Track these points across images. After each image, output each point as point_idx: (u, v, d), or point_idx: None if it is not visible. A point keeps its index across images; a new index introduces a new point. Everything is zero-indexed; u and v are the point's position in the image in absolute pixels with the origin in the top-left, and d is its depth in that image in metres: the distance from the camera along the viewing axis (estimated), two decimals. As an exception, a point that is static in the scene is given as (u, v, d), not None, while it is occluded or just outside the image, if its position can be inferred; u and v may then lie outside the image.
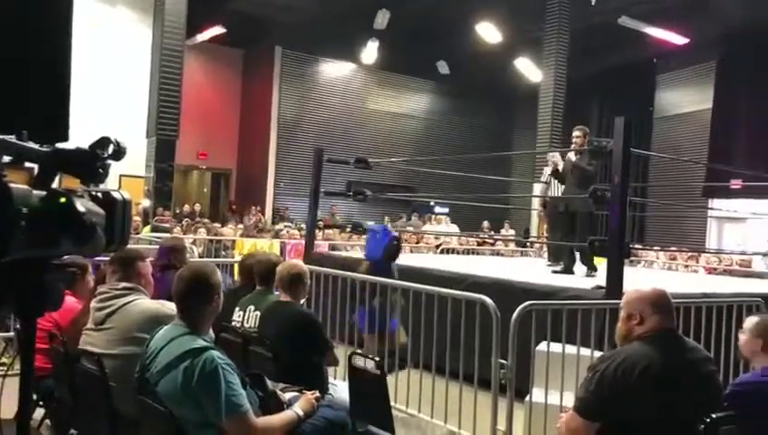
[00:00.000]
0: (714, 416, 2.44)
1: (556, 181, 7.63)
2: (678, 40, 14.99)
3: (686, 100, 16.78)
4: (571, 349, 3.89)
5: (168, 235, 9.41)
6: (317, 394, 2.98)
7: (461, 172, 11.67)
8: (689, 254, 11.68)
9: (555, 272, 6.97)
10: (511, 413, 3.74)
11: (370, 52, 16.73)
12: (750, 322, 3.22)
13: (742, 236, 15.12)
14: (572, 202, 6.82)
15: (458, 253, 11.91)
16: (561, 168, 7.14)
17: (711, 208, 14.66)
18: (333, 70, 18.17)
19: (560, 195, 7.47)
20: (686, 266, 11.04)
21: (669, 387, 2.45)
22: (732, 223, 15.36)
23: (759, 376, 3.04)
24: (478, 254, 12.08)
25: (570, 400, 3.73)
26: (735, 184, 11.87)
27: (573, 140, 7.02)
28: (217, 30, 15.57)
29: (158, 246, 5.48)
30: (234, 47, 17.39)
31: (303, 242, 8.55)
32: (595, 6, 14.16)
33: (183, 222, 12.05)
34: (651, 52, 16.16)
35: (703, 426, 2.44)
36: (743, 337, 3.21)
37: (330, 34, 16.04)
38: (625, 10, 14.30)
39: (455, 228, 15.56)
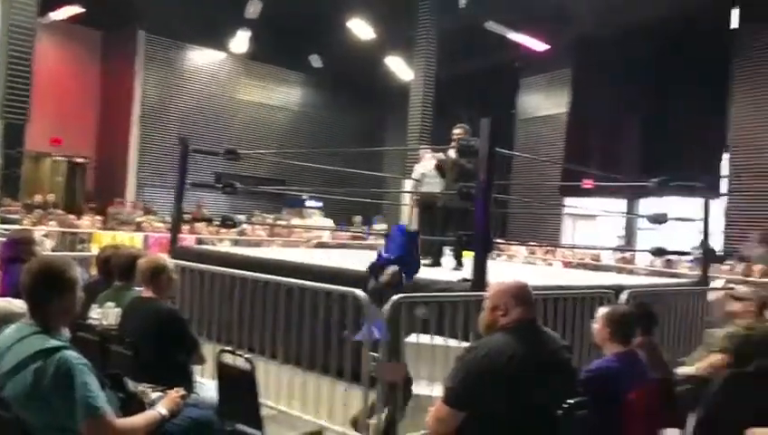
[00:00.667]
0: (569, 402, 2.60)
1: (426, 178, 7.81)
2: (539, 46, 15.90)
3: (545, 103, 17.84)
4: (440, 340, 4.01)
5: (16, 226, 8.70)
6: (182, 393, 2.86)
7: (333, 166, 11.69)
8: (547, 248, 12.44)
9: (425, 265, 7.14)
10: (381, 406, 3.79)
11: (241, 41, 16.34)
12: (601, 312, 3.49)
13: (593, 232, 16.34)
14: (450, 198, 6.98)
15: (331, 247, 11.93)
16: (444, 163, 7.26)
17: (566, 206, 15.68)
18: (201, 58, 17.56)
19: (432, 191, 7.64)
20: (544, 260, 11.75)
21: (531, 375, 2.57)
22: (584, 220, 16.55)
23: (609, 361, 3.30)
24: (351, 248, 12.15)
25: (439, 389, 3.88)
26: (587, 184, 12.74)
27: (454, 137, 7.05)
28: (74, 9, 14.56)
29: (3, 239, 5.04)
30: (92, 28, 16.33)
31: (168, 235, 8.21)
32: (464, 10, 14.69)
33: (33, 213, 11.18)
34: (514, 56, 17.02)
35: (560, 412, 2.59)
36: (595, 326, 3.46)
37: (198, 21, 15.48)
38: (492, 15, 14.95)
39: (329, 223, 15.57)
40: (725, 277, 9.40)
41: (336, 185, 13.59)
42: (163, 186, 15.54)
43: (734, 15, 13.49)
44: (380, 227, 16.34)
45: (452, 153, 7.08)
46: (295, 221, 15.44)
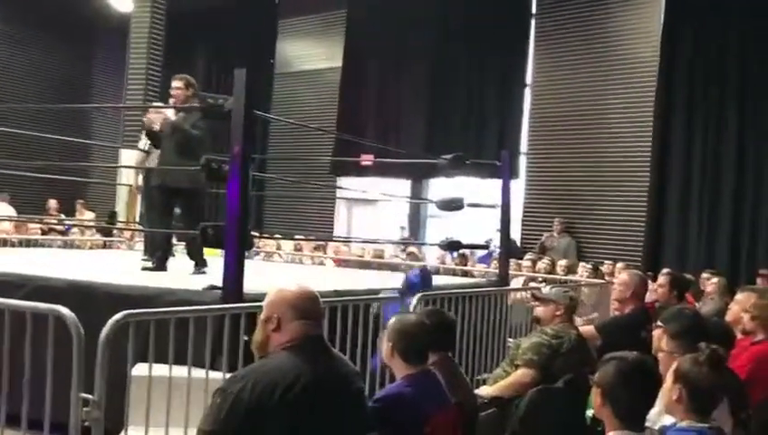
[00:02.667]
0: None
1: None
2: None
3: (313, 54, 18.15)
4: (180, 370, 3.89)
5: None
6: None
7: (17, 130, 10.83)
8: (315, 243, 12.73)
9: (146, 269, 6.93)
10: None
11: None
12: (388, 325, 3.63)
13: (373, 221, 17.04)
14: (172, 175, 6.82)
15: (13, 244, 11.04)
16: (158, 127, 7.07)
17: (340, 188, 16.14)
18: None
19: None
20: (313, 258, 12.00)
21: (316, 407, 2.62)
22: (362, 205, 17.19)
23: (400, 386, 3.45)
24: (44, 246, 11.36)
25: (179, 438, 3.78)
26: (366, 160, 13.25)
27: (172, 92, 7.00)
28: None
29: None
30: None
31: None
32: None
33: None
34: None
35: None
36: (383, 341, 3.60)
37: None
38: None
39: (10, 211, 14.42)
40: (526, 275, 10.36)
41: (22, 157, 12.64)
42: None
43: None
44: (88, 216, 15.56)
45: (171, 114, 6.98)
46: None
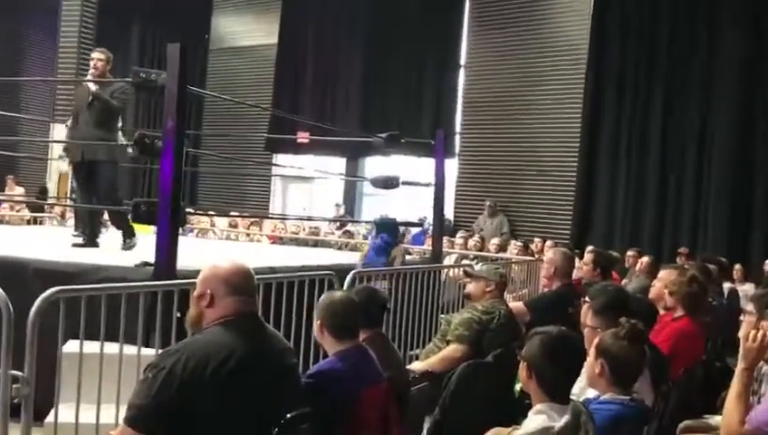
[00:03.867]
0: (290, 415, 2.69)
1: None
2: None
3: (249, 29, 17.94)
4: (112, 347, 3.84)
5: None
6: None
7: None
8: (251, 220, 12.65)
9: (76, 245, 6.83)
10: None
11: None
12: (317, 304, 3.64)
13: (308, 198, 17.01)
14: (90, 149, 6.74)
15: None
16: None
17: (276, 165, 16.06)
18: None
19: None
20: (249, 235, 11.93)
21: (248, 382, 2.63)
22: (298, 183, 17.13)
23: (332, 363, 3.46)
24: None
25: (111, 414, 3.73)
26: (303, 137, 13.20)
27: (92, 63, 6.95)
28: None
29: None
30: None
31: None
32: None
33: None
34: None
35: (276, 429, 2.68)
36: (315, 320, 3.61)
37: None
38: None
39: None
40: (458, 252, 10.47)
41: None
42: None
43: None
44: (18, 192, 15.16)
45: (92, 86, 6.88)
46: None
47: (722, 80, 12.13)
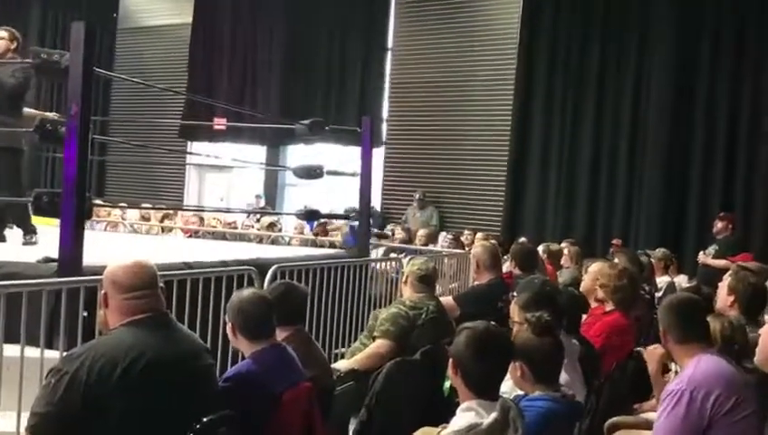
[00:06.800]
0: (206, 419, 2.69)
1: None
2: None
3: (161, 8, 17.65)
4: (12, 350, 3.76)
5: None
6: None
7: None
8: (164, 212, 12.47)
9: None
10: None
11: None
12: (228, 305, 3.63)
13: (226, 189, 16.84)
14: None
15: None
16: None
17: (190, 154, 15.84)
18: None
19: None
20: (162, 229, 11.76)
21: (160, 385, 2.63)
22: (215, 172, 16.94)
23: (247, 365, 3.46)
24: None
25: (12, 424, 3.65)
26: (219, 124, 13.07)
27: None
28: None
29: None
30: None
31: None
32: None
33: None
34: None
35: (192, 433, 2.67)
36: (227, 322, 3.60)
37: None
38: None
39: None
40: (387, 245, 10.52)
41: None
42: None
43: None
44: None
45: None
46: None
47: (657, 67, 12.40)
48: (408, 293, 5.46)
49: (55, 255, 4.81)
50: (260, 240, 11.09)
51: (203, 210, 14.06)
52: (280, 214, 14.14)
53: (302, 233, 11.96)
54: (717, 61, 11.90)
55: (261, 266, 5.57)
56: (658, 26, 12.39)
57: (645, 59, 12.53)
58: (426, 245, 10.60)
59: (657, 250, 9.67)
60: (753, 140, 11.70)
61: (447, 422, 2.84)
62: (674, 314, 3.51)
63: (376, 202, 13.30)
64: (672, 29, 12.21)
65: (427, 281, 5.46)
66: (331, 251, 9.41)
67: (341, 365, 4.95)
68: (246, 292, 3.74)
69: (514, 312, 4.06)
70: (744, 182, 11.74)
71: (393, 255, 9.23)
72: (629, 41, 12.67)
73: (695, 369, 3.29)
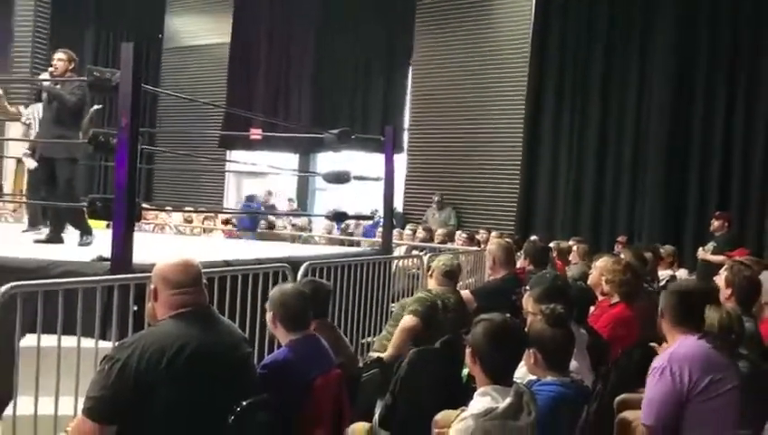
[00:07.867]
0: (245, 403, 2.71)
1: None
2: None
3: (202, 29, 17.77)
4: (69, 341, 3.79)
5: None
6: None
7: None
8: (205, 215, 12.54)
9: (39, 241, 6.71)
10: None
11: None
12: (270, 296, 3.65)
13: (263, 194, 16.87)
14: (49, 146, 6.66)
15: None
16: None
17: (229, 161, 15.94)
18: None
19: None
20: (204, 230, 11.83)
21: (203, 372, 2.64)
22: (252, 178, 17.02)
23: (284, 353, 3.48)
24: None
25: (69, 406, 3.68)
26: (255, 134, 13.13)
27: (54, 63, 6.82)
28: None
29: None
30: None
31: None
32: None
33: None
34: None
35: (233, 417, 2.69)
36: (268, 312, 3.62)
37: None
38: None
39: None
40: (407, 244, 10.51)
41: None
42: None
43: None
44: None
45: (45, 85, 6.83)
46: None
47: (658, 72, 12.33)
48: (432, 285, 5.53)
49: (108, 254, 4.85)
50: (293, 240, 11.12)
51: (241, 213, 14.13)
52: (310, 216, 14.18)
53: (330, 233, 11.98)
54: (714, 65, 11.88)
55: (293, 264, 5.58)
56: (659, 37, 12.32)
57: (647, 69, 12.45)
58: (444, 243, 10.58)
59: (666, 246, 9.93)
60: (747, 145, 11.62)
61: (466, 406, 2.84)
62: (675, 299, 3.56)
63: (398, 204, 13.31)
64: (671, 36, 12.16)
65: (450, 276, 5.54)
66: (358, 249, 9.42)
67: (372, 354, 4.97)
68: (288, 286, 3.78)
69: (528, 304, 4.06)
70: (739, 183, 11.65)
71: (414, 252, 9.22)
72: (631, 52, 12.60)
73: (676, 348, 3.40)
